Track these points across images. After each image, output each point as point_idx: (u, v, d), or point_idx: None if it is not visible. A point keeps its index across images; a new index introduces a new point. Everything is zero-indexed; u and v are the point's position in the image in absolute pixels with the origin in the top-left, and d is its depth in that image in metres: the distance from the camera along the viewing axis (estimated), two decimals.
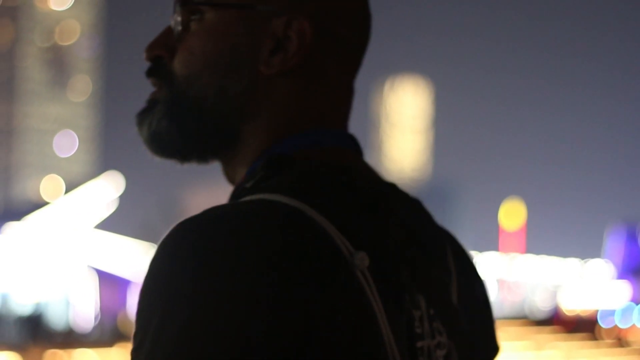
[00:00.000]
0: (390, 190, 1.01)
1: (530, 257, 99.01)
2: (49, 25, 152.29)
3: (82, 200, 48.28)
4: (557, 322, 35.02)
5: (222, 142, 1.02)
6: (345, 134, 1.03)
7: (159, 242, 0.88)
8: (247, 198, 0.92)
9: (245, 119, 1.00)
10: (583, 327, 32.65)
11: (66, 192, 51.82)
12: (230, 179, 1.04)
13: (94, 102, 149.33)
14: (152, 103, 1.04)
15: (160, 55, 1.03)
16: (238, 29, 1.00)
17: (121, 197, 50.60)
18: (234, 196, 0.98)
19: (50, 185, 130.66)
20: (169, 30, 1.04)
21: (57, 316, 35.61)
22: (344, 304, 0.87)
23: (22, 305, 40.60)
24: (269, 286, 0.84)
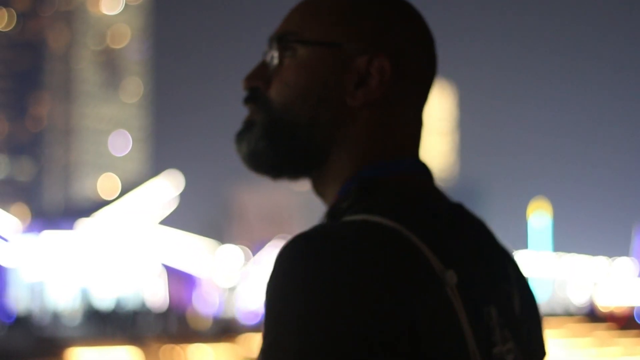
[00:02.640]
0: (461, 211, 1.14)
1: (559, 255, 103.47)
2: (101, 29, 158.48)
3: (145, 198, 51.36)
4: (610, 319, 37.04)
5: (312, 163, 1.15)
6: (420, 162, 1.16)
7: (279, 254, 1.02)
8: (350, 218, 1.05)
9: (333, 144, 1.14)
10: (634, 324, 34.16)
11: (122, 189, 55.74)
12: (319, 193, 1.18)
13: (145, 103, 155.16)
14: (249, 124, 1.17)
15: (257, 86, 1.17)
16: (327, 65, 1.13)
17: (182, 195, 54.31)
18: (331, 214, 1.12)
19: (106, 183, 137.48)
20: (264, 64, 1.18)
21: (139, 311, 38.13)
22: (436, 316, 1.00)
23: (101, 299, 43.83)
24: (370, 300, 0.97)
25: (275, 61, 1.17)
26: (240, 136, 1.19)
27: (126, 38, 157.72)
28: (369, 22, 1.15)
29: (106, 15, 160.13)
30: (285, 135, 1.15)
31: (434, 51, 1.20)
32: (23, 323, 28.32)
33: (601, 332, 30.61)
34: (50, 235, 48.64)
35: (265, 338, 1.00)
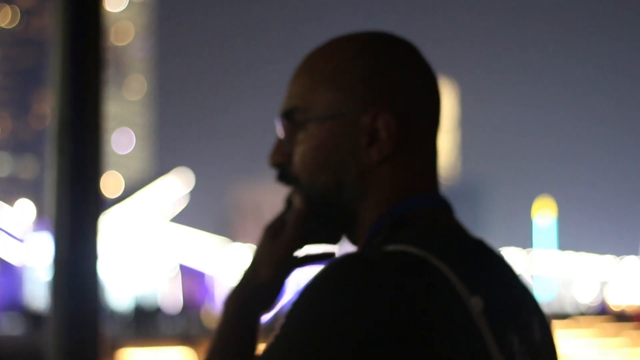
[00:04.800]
0: (483, 244, 1.20)
1: (565, 253, 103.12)
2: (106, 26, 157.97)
3: (156, 195, 51.36)
4: (636, 318, 37.49)
5: (349, 221, 1.23)
6: (439, 197, 1.22)
7: (323, 270, 1.08)
8: (386, 248, 1.11)
9: (360, 200, 1.21)
10: None
11: (125, 187, 55.79)
12: (355, 243, 1.25)
13: (149, 101, 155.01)
14: (291, 203, 1.28)
15: (282, 162, 1.25)
16: (337, 133, 1.20)
17: (191, 193, 54.41)
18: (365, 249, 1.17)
19: (110, 181, 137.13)
20: (280, 139, 1.26)
21: (154, 309, 38.44)
22: (463, 339, 1.05)
23: (120, 299, 43.84)
24: (398, 325, 1.03)
25: (289, 138, 1.24)
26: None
27: (130, 35, 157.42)
28: (365, 80, 1.20)
29: (110, 12, 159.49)
30: (322, 204, 1.23)
31: (435, 84, 1.24)
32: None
33: (630, 331, 30.90)
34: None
35: (280, 337, 1.06)
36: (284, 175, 1.25)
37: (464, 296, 1.07)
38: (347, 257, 1.08)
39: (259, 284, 1.26)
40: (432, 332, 1.03)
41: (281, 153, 1.25)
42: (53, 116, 2.86)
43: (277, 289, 1.26)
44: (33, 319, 28.40)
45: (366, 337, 1.02)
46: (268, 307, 1.26)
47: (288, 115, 1.24)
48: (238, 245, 56.03)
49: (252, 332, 1.25)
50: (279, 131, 1.26)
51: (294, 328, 1.05)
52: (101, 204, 2.90)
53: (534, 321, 1.19)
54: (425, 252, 1.09)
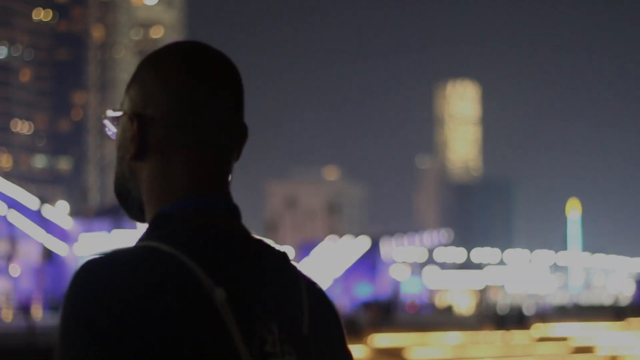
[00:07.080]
0: (251, 242, 1.31)
1: (595, 254, 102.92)
2: (141, 19, 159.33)
3: None
4: None
5: (138, 211, 1.38)
6: (214, 200, 1.32)
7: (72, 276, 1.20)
8: (138, 244, 1.26)
9: (138, 194, 1.36)
10: None
11: None
12: None
13: None
14: None
15: None
16: (121, 129, 1.36)
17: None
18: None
19: None
20: None
21: None
22: (203, 326, 1.19)
23: None
24: (140, 317, 1.16)
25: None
26: None
27: (166, 28, 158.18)
28: (138, 86, 1.35)
29: (146, 5, 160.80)
30: (118, 196, 1.40)
31: (214, 96, 1.33)
32: None
33: None
34: (111, 232, 50.32)
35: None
36: None
37: (208, 288, 1.20)
38: (87, 262, 1.22)
39: None
40: (168, 321, 1.16)
41: None
42: None
43: None
44: None
45: (106, 337, 1.14)
46: None
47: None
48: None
49: None
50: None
51: (59, 340, 1.18)
52: None
53: (303, 314, 1.30)
54: (174, 249, 1.22)
